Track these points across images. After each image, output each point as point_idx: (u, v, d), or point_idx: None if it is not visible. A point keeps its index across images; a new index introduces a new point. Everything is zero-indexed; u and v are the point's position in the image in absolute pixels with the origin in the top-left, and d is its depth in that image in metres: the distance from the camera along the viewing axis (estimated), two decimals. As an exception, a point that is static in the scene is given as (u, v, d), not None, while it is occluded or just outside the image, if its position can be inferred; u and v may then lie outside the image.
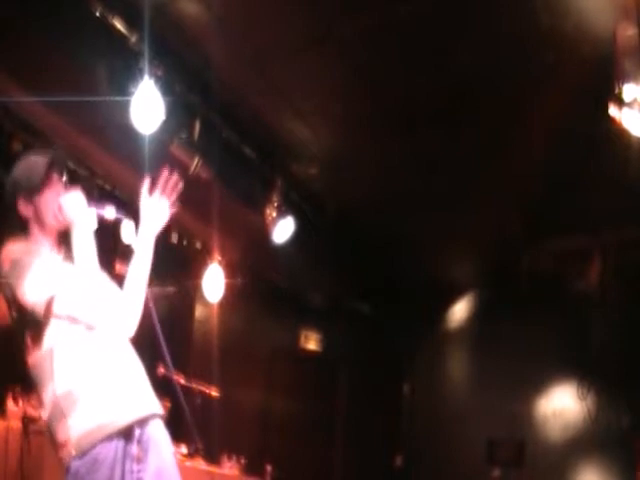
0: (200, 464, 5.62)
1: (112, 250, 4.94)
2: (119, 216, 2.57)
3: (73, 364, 2.32)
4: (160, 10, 4.35)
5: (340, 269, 7.64)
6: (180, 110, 4.92)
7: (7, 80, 4.44)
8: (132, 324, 2.45)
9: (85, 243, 2.42)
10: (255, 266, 7.41)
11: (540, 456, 7.60)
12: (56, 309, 2.32)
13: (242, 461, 6.26)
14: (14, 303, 2.36)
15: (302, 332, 8.43)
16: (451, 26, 4.46)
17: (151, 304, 2.57)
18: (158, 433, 2.40)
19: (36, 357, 2.36)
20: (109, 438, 2.26)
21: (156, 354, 2.70)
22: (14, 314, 2.38)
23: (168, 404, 4.07)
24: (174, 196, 2.56)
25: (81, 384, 2.30)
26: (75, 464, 2.24)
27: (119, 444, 2.28)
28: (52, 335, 2.34)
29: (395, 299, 8.30)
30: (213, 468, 5.84)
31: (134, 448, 2.31)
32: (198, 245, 6.80)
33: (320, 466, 8.14)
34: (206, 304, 7.08)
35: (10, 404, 4.40)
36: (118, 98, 4.40)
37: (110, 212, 2.55)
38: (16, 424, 4.21)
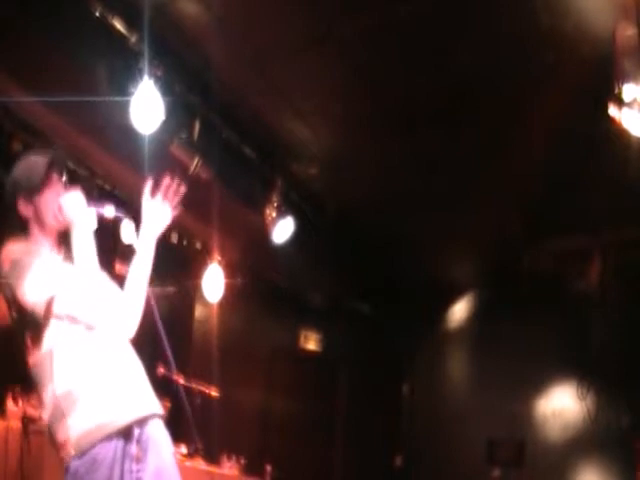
0: (200, 464, 5.62)
1: (112, 250, 4.95)
2: (119, 214, 2.57)
3: (73, 364, 2.32)
4: (160, 10, 4.35)
5: (340, 269, 7.64)
6: (180, 110, 4.92)
7: (7, 80, 4.44)
8: (132, 325, 2.46)
9: (85, 243, 2.42)
10: (255, 266, 7.41)
11: (540, 456, 7.60)
12: (56, 309, 2.32)
13: (242, 461, 6.26)
14: (14, 303, 2.36)
15: (302, 332, 8.43)
16: (451, 26, 4.46)
17: (153, 304, 2.57)
18: (158, 433, 2.40)
19: (36, 357, 2.36)
20: (108, 438, 2.26)
21: (156, 354, 2.71)
22: (14, 314, 2.38)
23: (168, 404, 4.08)
24: (176, 200, 2.57)
25: (81, 384, 2.30)
26: (74, 464, 2.24)
27: (118, 444, 2.28)
28: (52, 335, 2.34)
29: (395, 299, 8.30)
30: (213, 468, 5.84)
31: (133, 448, 2.31)
32: (198, 245, 6.80)
33: (320, 466, 8.14)
34: (206, 304, 7.08)
35: (10, 404, 4.40)
36: (118, 98, 4.40)
37: (110, 211, 2.55)
38: (16, 424, 4.21)
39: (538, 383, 7.80)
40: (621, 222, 6.44)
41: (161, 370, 4.07)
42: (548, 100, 4.86)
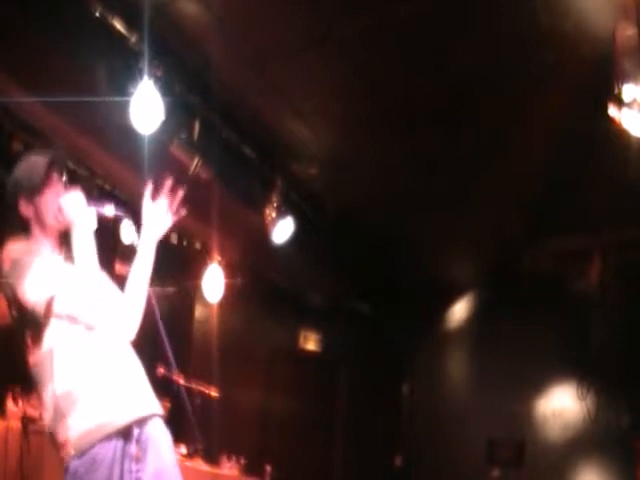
0: (200, 464, 5.63)
1: (112, 250, 4.95)
2: (119, 213, 2.57)
3: (73, 364, 2.32)
4: (160, 10, 4.35)
5: (340, 269, 7.64)
6: (180, 110, 4.92)
7: (7, 80, 4.44)
8: (133, 328, 2.46)
9: (85, 243, 2.42)
10: (255, 266, 7.41)
11: (540, 456, 7.60)
12: (56, 309, 2.33)
13: (242, 461, 6.27)
14: (15, 302, 2.36)
15: (302, 332, 8.44)
16: (451, 26, 4.45)
17: (154, 303, 2.57)
18: (157, 433, 2.40)
19: (36, 357, 2.36)
20: (108, 438, 2.26)
21: (156, 354, 2.71)
22: (15, 313, 2.39)
23: (168, 404, 4.08)
24: (177, 204, 2.57)
25: (80, 384, 2.30)
26: (74, 464, 2.24)
27: (118, 444, 2.28)
28: (52, 335, 2.34)
29: (395, 299, 8.30)
30: (213, 468, 5.85)
31: (133, 448, 2.31)
32: (198, 245, 6.80)
33: (320, 466, 8.14)
34: (206, 304, 7.08)
35: (10, 404, 4.40)
36: (118, 98, 4.40)
37: (110, 210, 2.55)
38: (16, 424, 4.21)
39: (538, 383, 7.80)
40: (621, 222, 6.44)
41: (161, 370, 4.07)
42: (548, 100, 4.85)
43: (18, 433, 4.15)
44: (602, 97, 3.98)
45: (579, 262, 7.05)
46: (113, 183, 5.66)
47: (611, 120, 3.98)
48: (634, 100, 3.84)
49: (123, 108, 4.45)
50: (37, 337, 2.35)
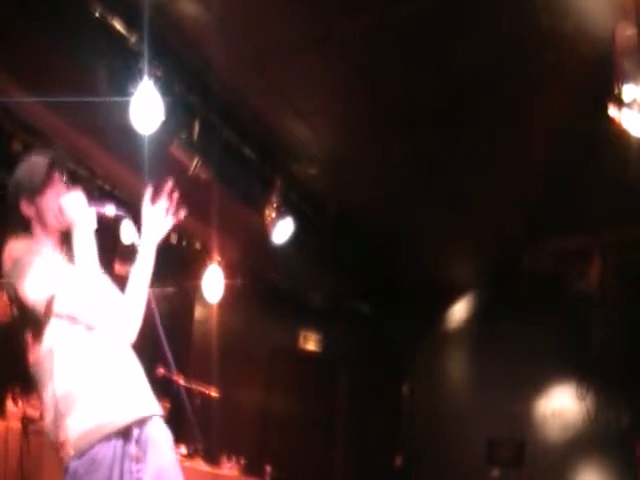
0: (200, 464, 5.63)
1: (112, 250, 4.95)
2: (119, 213, 2.57)
3: (73, 364, 2.32)
4: (160, 10, 4.35)
5: (340, 269, 7.64)
6: (180, 110, 4.92)
7: (7, 80, 4.44)
8: (133, 330, 2.47)
9: (86, 244, 2.43)
10: (255, 266, 7.41)
11: (540, 456, 7.60)
12: (56, 308, 2.33)
13: (242, 461, 6.27)
14: (16, 301, 2.37)
15: (302, 332, 8.43)
16: (451, 26, 4.45)
17: (153, 305, 2.57)
18: (157, 433, 2.40)
19: (36, 356, 2.36)
20: (107, 438, 2.26)
21: (156, 355, 2.71)
22: (15, 312, 2.39)
23: (168, 405, 4.08)
24: (176, 207, 2.58)
25: (80, 384, 2.30)
26: (74, 464, 2.24)
27: (117, 444, 2.28)
28: (52, 335, 2.34)
29: (395, 299, 8.30)
30: (213, 468, 5.85)
31: (132, 448, 2.31)
32: (198, 245, 6.80)
33: (320, 466, 8.14)
34: (206, 305, 7.08)
35: (10, 404, 4.40)
36: (118, 98, 4.40)
37: (110, 210, 2.55)
38: (15, 424, 4.22)
39: (538, 383, 7.80)
40: (621, 222, 6.44)
41: (161, 371, 4.07)
42: (548, 100, 4.85)
43: (18, 433, 4.15)
44: (602, 97, 3.98)
45: (579, 262, 7.05)
46: (113, 183, 5.67)
47: (611, 120, 3.98)
48: (634, 100, 3.84)
49: (123, 108, 4.45)
50: (37, 336, 2.35)
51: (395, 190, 6.40)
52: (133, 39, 4.49)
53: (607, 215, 6.31)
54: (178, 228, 6.24)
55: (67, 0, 4.23)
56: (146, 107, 4.49)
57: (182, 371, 5.44)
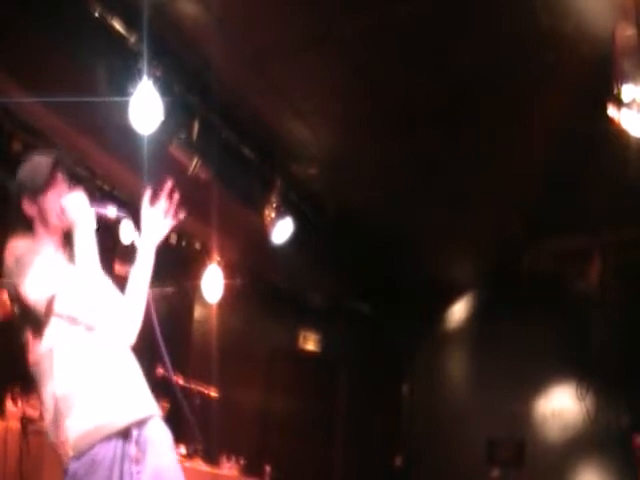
0: (199, 465, 5.63)
1: (112, 250, 4.94)
2: (119, 214, 2.57)
3: (72, 365, 2.32)
4: (159, 10, 4.35)
5: (340, 269, 7.64)
6: (179, 110, 4.91)
7: (7, 80, 4.44)
8: (133, 332, 2.48)
9: (87, 244, 2.43)
10: (254, 267, 7.41)
11: (540, 456, 7.60)
12: (57, 308, 2.33)
13: (241, 462, 6.26)
14: (17, 299, 2.37)
15: (301, 332, 8.43)
16: (451, 26, 4.45)
17: (153, 306, 2.57)
18: (157, 434, 2.40)
19: (36, 356, 2.36)
20: (107, 439, 2.26)
21: (155, 355, 2.70)
22: (16, 310, 2.40)
23: (167, 405, 4.07)
24: (175, 208, 2.58)
25: (80, 385, 2.30)
26: (73, 466, 2.23)
27: (117, 445, 2.28)
28: (52, 334, 2.34)
29: (395, 299, 8.29)
30: (212, 469, 5.84)
31: (132, 449, 2.31)
32: (197, 246, 6.80)
33: (320, 466, 8.14)
34: (205, 305, 7.08)
35: (9, 404, 4.40)
36: (117, 98, 4.40)
37: (112, 211, 2.55)
38: (15, 424, 4.21)
39: (538, 383, 7.80)
40: (621, 222, 6.44)
41: (160, 371, 4.06)
42: (548, 100, 4.85)
43: (17, 433, 4.15)
44: (602, 97, 3.98)
45: (579, 262, 7.05)
46: (113, 183, 5.66)
47: (611, 120, 3.98)
48: (633, 100, 3.84)
49: (122, 108, 4.45)
50: (37, 336, 2.35)
51: (395, 190, 6.40)
52: (132, 39, 4.49)
53: (607, 215, 6.31)
54: (178, 228, 6.20)
55: (67, 0, 4.23)
56: (145, 107, 4.49)
57: (182, 371, 5.44)
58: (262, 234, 5.96)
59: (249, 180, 5.85)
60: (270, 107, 5.45)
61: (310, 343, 8.49)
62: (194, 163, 5.15)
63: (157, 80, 4.55)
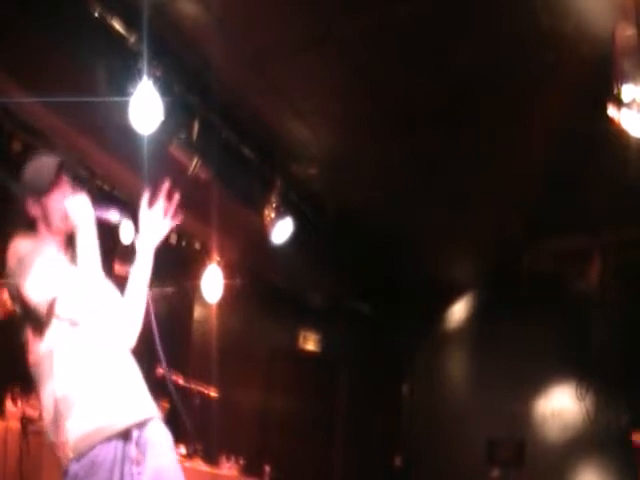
0: (199, 465, 5.63)
1: (112, 250, 4.94)
2: (118, 214, 2.57)
3: (72, 366, 2.32)
4: (159, 10, 4.35)
5: (340, 269, 7.64)
6: (179, 110, 4.91)
7: (7, 80, 4.44)
8: (133, 335, 2.49)
9: (89, 247, 2.43)
10: (254, 267, 7.41)
11: (540, 456, 7.59)
12: (58, 311, 2.33)
13: (241, 462, 6.26)
14: (18, 299, 2.37)
15: (301, 332, 8.43)
16: (451, 26, 4.45)
17: (151, 306, 2.57)
18: (157, 436, 2.40)
19: (36, 356, 2.36)
20: (107, 440, 2.26)
21: (155, 355, 2.70)
22: (18, 310, 2.40)
23: (166, 405, 4.07)
24: (174, 209, 2.58)
25: (80, 387, 2.30)
26: (73, 467, 2.23)
27: (117, 447, 2.28)
28: (53, 336, 2.34)
29: (395, 299, 8.29)
30: (212, 469, 5.84)
31: (132, 450, 2.31)
32: (197, 246, 6.80)
33: (320, 466, 8.14)
34: (205, 305, 7.08)
35: (9, 405, 4.40)
36: (117, 98, 4.40)
37: (114, 215, 2.56)
38: (15, 425, 4.21)
39: (538, 383, 7.80)
40: (621, 222, 6.44)
41: (160, 371, 4.06)
42: (548, 100, 4.85)
43: (17, 433, 4.15)
44: (602, 97, 3.98)
45: (579, 262, 7.05)
46: (113, 183, 5.66)
47: (611, 120, 3.98)
48: (633, 100, 3.84)
49: (122, 108, 4.44)
50: (38, 336, 2.35)
51: (395, 190, 6.40)
52: (132, 39, 4.49)
53: (607, 215, 6.31)
54: (177, 228, 6.21)
55: (67, 0, 4.23)
56: (145, 107, 4.48)
57: (181, 371, 5.45)
58: (262, 234, 5.96)
59: (249, 180, 5.85)
60: (270, 107, 5.45)
61: (310, 343, 8.49)
62: (194, 163, 5.15)
63: (157, 80, 4.55)
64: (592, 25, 4.20)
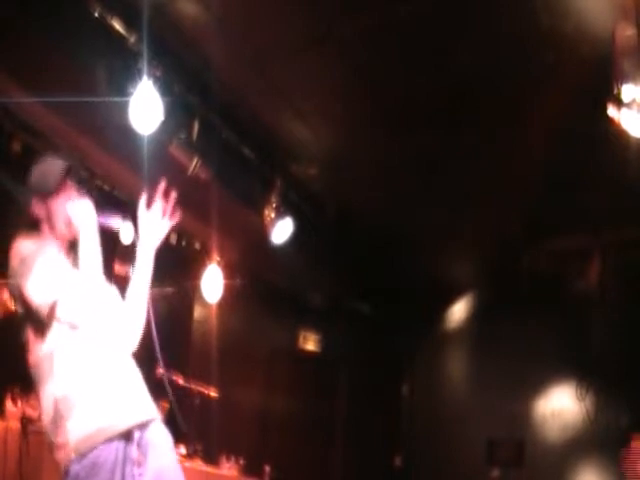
0: (199, 465, 5.62)
1: (111, 250, 4.94)
2: (118, 214, 2.57)
3: (73, 367, 2.32)
4: (159, 10, 4.35)
5: (340, 269, 7.64)
6: (179, 110, 4.91)
7: (7, 80, 4.44)
8: (135, 338, 2.49)
9: (91, 252, 2.43)
10: (254, 267, 7.41)
11: (539, 456, 7.60)
12: (59, 313, 2.33)
13: (241, 462, 6.26)
14: (20, 300, 2.37)
15: (301, 332, 8.43)
16: (451, 26, 4.45)
17: (150, 307, 2.57)
18: (158, 437, 2.40)
19: (37, 357, 2.36)
20: (108, 441, 2.26)
21: (155, 355, 2.71)
22: (19, 310, 2.40)
23: (166, 405, 4.07)
24: (172, 209, 2.58)
25: (81, 387, 2.30)
26: (75, 468, 2.23)
27: (119, 448, 2.28)
28: (54, 338, 2.34)
29: (395, 299, 8.29)
30: (212, 469, 5.84)
31: (134, 451, 2.31)
32: (197, 246, 6.80)
33: (320, 466, 8.14)
34: (205, 305, 7.08)
35: (9, 405, 4.40)
36: (117, 98, 4.40)
37: (117, 222, 2.56)
38: (15, 425, 4.21)
39: (538, 383, 7.81)
40: (621, 222, 6.44)
41: (160, 371, 4.06)
42: (548, 100, 4.85)
43: (17, 434, 4.14)
44: (602, 97, 3.98)
45: (579, 262, 7.05)
46: (113, 183, 5.66)
47: (611, 120, 3.98)
48: (633, 100, 3.84)
49: (122, 108, 4.44)
50: (39, 338, 2.35)
51: (395, 190, 6.40)
52: (132, 39, 4.49)
53: (607, 215, 6.32)
54: (177, 228, 6.23)
55: (67, 0, 4.23)
56: (145, 107, 4.48)
57: (181, 371, 5.44)
58: (262, 234, 5.96)
59: (249, 180, 5.84)
60: (270, 107, 5.45)
61: (310, 343, 8.49)
62: (194, 163, 5.15)
63: (157, 80, 4.55)
64: (592, 25, 4.20)
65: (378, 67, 4.90)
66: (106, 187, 5.61)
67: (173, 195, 2.58)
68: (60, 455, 2.28)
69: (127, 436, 2.31)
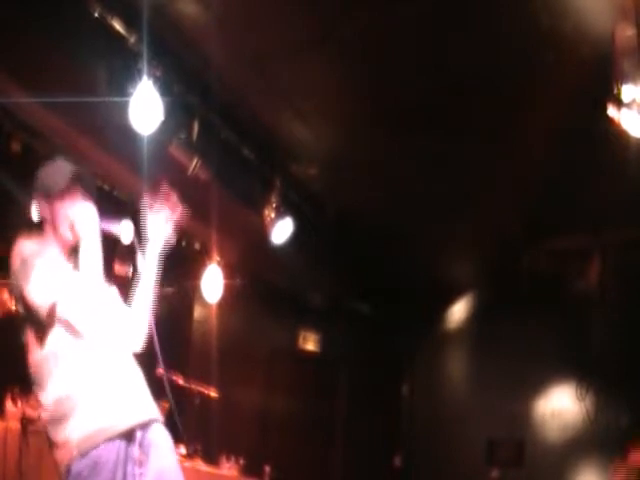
0: (199, 465, 5.62)
1: (111, 250, 4.94)
2: (126, 226, 2.57)
3: (74, 368, 2.33)
4: (159, 10, 4.34)
5: (340, 269, 7.64)
6: (179, 110, 4.91)
7: (7, 80, 4.44)
8: (140, 339, 2.51)
9: (92, 257, 2.43)
10: (254, 267, 7.41)
11: (539, 456, 7.60)
12: (59, 315, 2.33)
13: (241, 462, 6.26)
14: (21, 300, 2.38)
15: (301, 332, 8.43)
16: (451, 26, 4.45)
17: (153, 307, 2.58)
18: (159, 438, 2.41)
19: (37, 358, 2.36)
20: (110, 441, 2.26)
21: (155, 355, 2.71)
22: (20, 311, 2.41)
23: (166, 405, 4.07)
24: (177, 211, 2.59)
25: (82, 388, 2.31)
26: (76, 467, 2.23)
27: (121, 447, 2.28)
28: (54, 339, 2.34)
29: (395, 299, 8.29)
30: (212, 469, 5.84)
31: (135, 451, 2.32)
32: (197, 246, 6.80)
33: (320, 466, 8.14)
34: (205, 305, 7.08)
35: (9, 405, 4.40)
36: (117, 98, 4.40)
37: (118, 228, 2.55)
38: (15, 425, 4.21)
39: (538, 383, 7.81)
40: (621, 222, 6.44)
41: (160, 371, 4.06)
42: (548, 100, 4.85)
43: (17, 434, 4.14)
44: (601, 97, 3.98)
45: (579, 262, 7.05)
46: (113, 183, 5.66)
47: (611, 120, 3.97)
48: (633, 100, 3.84)
49: (122, 108, 4.44)
50: (39, 338, 2.36)
51: (395, 190, 6.40)
52: (132, 39, 4.49)
53: (607, 215, 6.31)
54: (177, 228, 6.22)
55: (67, 0, 4.23)
56: (145, 107, 4.48)
57: (181, 371, 5.44)
58: (262, 234, 5.95)
59: (249, 180, 5.84)
60: (270, 107, 5.45)
61: (310, 343, 8.49)
62: (194, 163, 5.15)
63: (157, 80, 4.54)
64: (592, 25, 4.20)
65: (378, 67, 4.90)
66: (106, 187, 5.61)
67: (177, 197, 2.59)
68: (61, 454, 2.29)
69: (129, 436, 2.31)
